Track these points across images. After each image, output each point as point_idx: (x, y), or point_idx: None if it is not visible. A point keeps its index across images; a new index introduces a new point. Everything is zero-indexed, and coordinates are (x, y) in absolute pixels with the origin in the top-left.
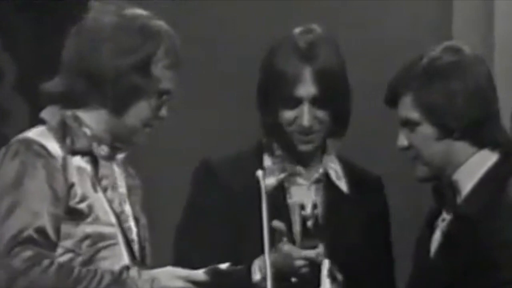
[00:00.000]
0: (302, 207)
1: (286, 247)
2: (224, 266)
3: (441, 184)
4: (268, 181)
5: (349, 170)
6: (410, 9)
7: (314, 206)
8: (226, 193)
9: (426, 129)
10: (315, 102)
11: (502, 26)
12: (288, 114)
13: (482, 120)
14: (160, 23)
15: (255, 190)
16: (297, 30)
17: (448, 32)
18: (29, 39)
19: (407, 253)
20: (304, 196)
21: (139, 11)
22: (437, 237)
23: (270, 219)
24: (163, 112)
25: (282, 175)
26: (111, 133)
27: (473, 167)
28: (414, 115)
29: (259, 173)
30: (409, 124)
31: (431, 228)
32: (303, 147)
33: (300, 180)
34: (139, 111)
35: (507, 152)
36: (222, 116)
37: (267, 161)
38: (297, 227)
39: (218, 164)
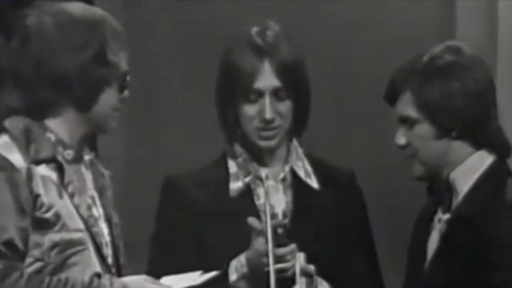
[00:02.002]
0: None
1: (259, 245)
2: (197, 281)
3: (437, 182)
4: (234, 185)
5: (319, 167)
6: (412, 8)
7: (284, 213)
8: (192, 206)
9: (424, 128)
10: (276, 94)
11: (505, 25)
12: (249, 109)
13: (480, 120)
14: (94, 9)
15: (223, 199)
16: (254, 28)
17: (452, 31)
18: None
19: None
20: (273, 196)
21: (73, 4)
22: (434, 238)
23: (240, 222)
24: (126, 93)
25: (247, 179)
26: (82, 130)
27: (471, 167)
28: (413, 113)
29: (263, 173)
30: (408, 122)
31: (426, 229)
32: (265, 143)
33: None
34: (107, 99)
35: (504, 154)
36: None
37: (232, 167)
38: (268, 229)
39: (183, 179)
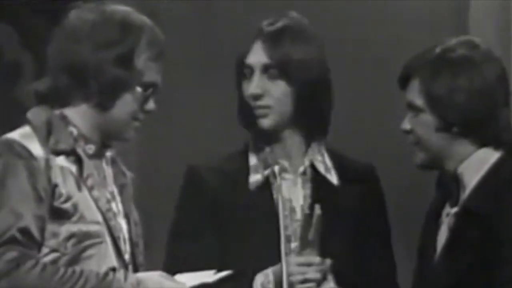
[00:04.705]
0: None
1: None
2: (211, 279)
3: (445, 176)
4: (253, 178)
5: (339, 162)
6: (426, 2)
7: (310, 207)
8: (213, 197)
9: (428, 118)
10: (267, 71)
11: None
12: (245, 87)
13: (484, 119)
14: (141, 17)
15: (242, 191)
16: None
17: (465, 25)
18: (48, 36)
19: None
20: (291, 190)
21: (120, 7)
22: (443, 232)
23: (258, 216)
24: (151, 105)
25: (266, 172)
26: (99, 130)
27: (478, 161)
28: (418, 101)
29: (276, 168)
30: (414, 109)
31: (435, 223)
32: (259, 122)
33: (285, 174)
34: (125, 105)
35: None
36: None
37: (253, 159)
38: (296, 233)
39: (205, 169)
